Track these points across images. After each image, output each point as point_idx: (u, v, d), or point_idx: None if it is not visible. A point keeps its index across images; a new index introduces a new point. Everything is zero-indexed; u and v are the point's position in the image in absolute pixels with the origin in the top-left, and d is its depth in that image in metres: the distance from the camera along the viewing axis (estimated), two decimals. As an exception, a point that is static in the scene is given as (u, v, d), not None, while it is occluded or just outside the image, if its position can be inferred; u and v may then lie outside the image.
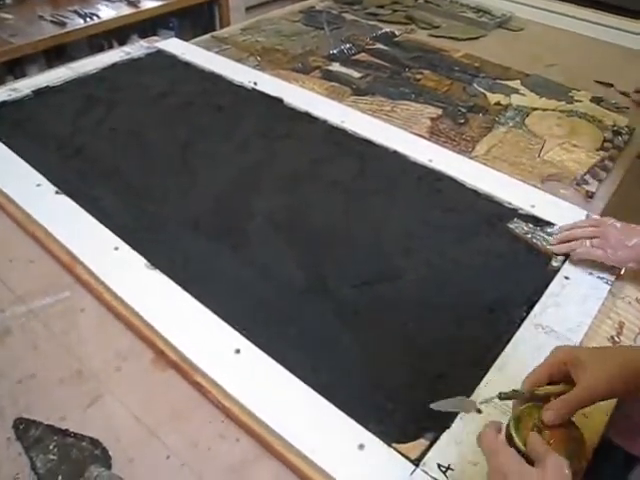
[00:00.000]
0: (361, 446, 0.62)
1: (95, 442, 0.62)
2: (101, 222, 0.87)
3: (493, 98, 1.31)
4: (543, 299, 0.81)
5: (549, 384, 0.59)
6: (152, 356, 0.72)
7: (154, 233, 0.89)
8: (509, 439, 0.55)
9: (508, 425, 0.56)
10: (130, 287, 0.78)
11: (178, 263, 0.83)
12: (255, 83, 1.27)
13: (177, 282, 0.79)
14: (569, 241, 0.88)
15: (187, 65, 1.37)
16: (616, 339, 0.77)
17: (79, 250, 0.83)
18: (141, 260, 0.82)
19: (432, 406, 0.63)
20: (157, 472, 0.61)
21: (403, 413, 0.66)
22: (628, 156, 1.16)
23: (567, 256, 0.88)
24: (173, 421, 0.66)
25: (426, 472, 0.60)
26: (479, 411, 0.65)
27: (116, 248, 0.83)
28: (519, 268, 0.88)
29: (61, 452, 0.60)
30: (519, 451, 0.53)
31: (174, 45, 1.44)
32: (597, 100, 1.32)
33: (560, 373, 0.59)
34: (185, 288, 0.78)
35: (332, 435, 0.63)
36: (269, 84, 1.28)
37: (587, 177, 1.07)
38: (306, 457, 0.61)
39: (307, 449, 0.61)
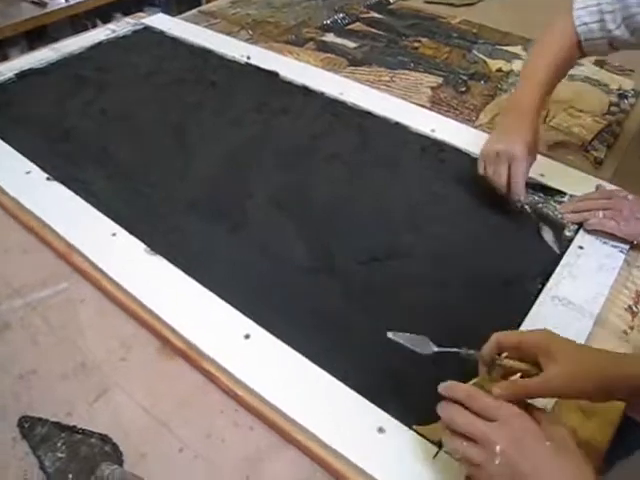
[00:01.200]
0: (381, 429, 0.60)
1: (104, 438, 0.60)
2: (96, 208, 0.84)
3: (494, 65, 1.27)
4: (558, 270, 0.78)
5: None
6: (158, 345, 0.70)
7: (151, 217, 0.86)
8: None
9: None
10: (131, 274, 0.75)
11: (178, 247, 0.80)
12: (248, 57, 1.23)
13: (179, 267, 0.76)
14: (581, 211, 0.86)
15: (176, 41, 1.32)
16: (634, 309, 0.75)
17: (75, 238, 0.79)
18: (140, 245, 0.79)
19: (389, 335, 0.62)
20: (171, 466, 0.59)
21: (423, 393, 0.64)
22: (635, 120, 1.13)
23: (580, 225, 0.85)
24: (184, 411, 0.63)
25: (450, 454, 0.58)
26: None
27: (113, 234, 0.80)
28: (531, 239, 0.85)
29: (70, 450, 0.58)
30: None
31: (161, 21, 1.39)
32: (600, 63, 1.28)
33: (529, 354, 0.56)
34: (187, 272, 0.75)
35: (350, 419, 0.61)
36: (263, 58, 1.23)
37: (595, 143, 1.04)
38: (324, 443, 0.59)
39: (324, 435, 0.59)
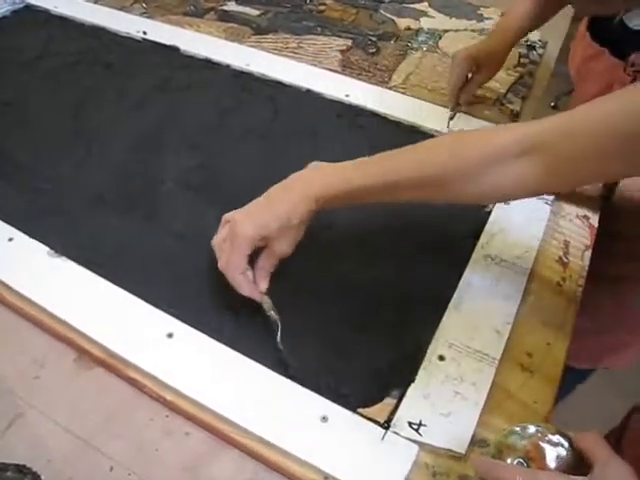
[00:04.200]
0: (324, 418, 0.57)
1: (23, 469, 0.53)
2: (-13, 212, 0.76)
3: (402, 23, 1.24)
4: (487, 227, 0.77)
5: None
6: (74, 357, 0.63)
7: (54, 216, 0.78)
8: None
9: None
10: (35, 281, 0.68)
11: (86, 246, 0.73)
12: (145, 32, 1.14)
13: (89, 268, 0.69)
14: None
15: (64, 20, 1.21)
16: (564, 259, 0.75)
17: (-34, 248, 0.71)
18: (42, 248, 0.71)
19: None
20: (101, 488, 0.54)
21: (363, 374, 0.61)
22: (545, 70, 1.14)
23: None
24: (110, 426, 0.58)
25: (398, 433, 0.56)
26: None
27: (10, 239, 0.72)
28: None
29: (-18, 489, 0.52)
30: None
31: (44, -2, 1.27)
32: (506, 15, 1.27)
33: None
34: (98, 273, 0.69)
35: (291, 412, 0.57)
36: (161, 32, 1.15)
37: (509, 96, 1.03)
38: (265, 440, 0.55)
39: (265, 432, 0.56)
